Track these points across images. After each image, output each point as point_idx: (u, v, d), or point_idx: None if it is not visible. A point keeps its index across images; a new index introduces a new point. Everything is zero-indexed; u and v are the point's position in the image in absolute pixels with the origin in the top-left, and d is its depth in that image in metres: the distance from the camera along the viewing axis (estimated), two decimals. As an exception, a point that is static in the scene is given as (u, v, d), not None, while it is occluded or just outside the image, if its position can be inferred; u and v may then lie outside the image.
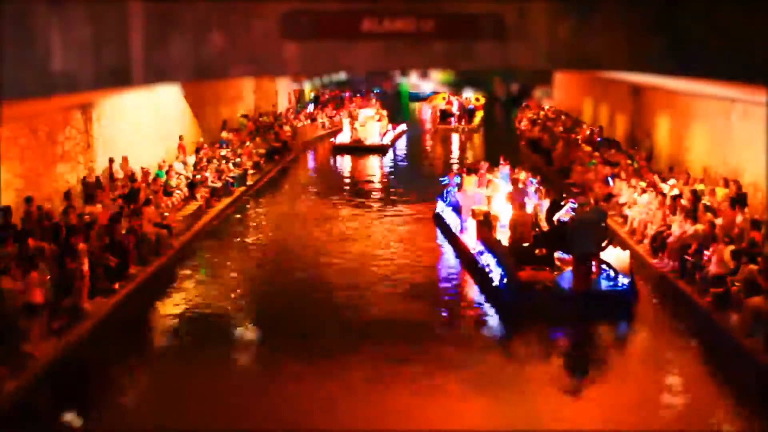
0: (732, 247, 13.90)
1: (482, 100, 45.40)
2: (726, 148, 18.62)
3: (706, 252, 14.52)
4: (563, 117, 35.05)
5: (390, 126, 37.91)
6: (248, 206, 23.95)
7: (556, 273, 14.68)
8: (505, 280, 14.50)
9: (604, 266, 14.65)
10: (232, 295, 15.75)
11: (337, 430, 10.61)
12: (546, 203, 16.57)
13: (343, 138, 35.67)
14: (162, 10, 10.83)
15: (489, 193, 18.08)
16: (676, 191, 17.93)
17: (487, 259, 15.64)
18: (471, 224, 17.53)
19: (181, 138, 25.21)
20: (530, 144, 32.24)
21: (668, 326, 14.15)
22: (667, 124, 23.12)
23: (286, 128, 33.97)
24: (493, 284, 14.80)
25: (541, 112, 37.98)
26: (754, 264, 13.02)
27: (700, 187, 17.92)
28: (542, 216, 16.04)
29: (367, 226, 21.23)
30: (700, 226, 15.26)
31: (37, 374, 11.46)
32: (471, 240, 17.23)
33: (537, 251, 15.01)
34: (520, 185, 17.23)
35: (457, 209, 18.80)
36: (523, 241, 15.32)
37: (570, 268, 14.43)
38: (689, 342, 13.36)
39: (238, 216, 22.65)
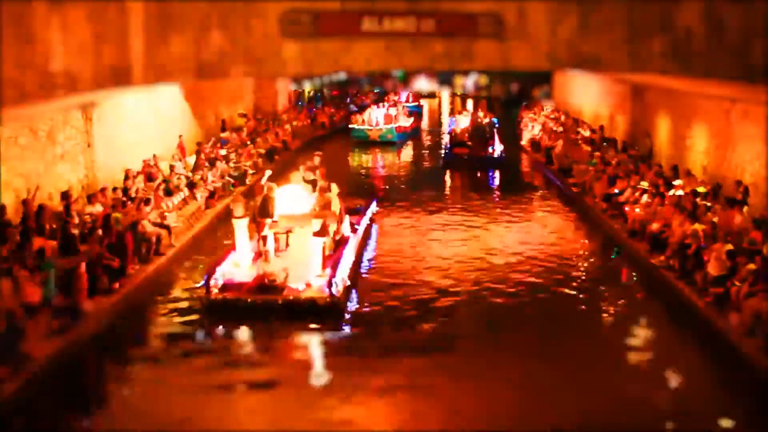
0: (729, 247, 13.89)
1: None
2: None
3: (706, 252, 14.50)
4: (563, 116, 35.03)
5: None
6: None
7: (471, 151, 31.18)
8: (447, 152, 31.91)
9: (495, 148, 31.09)
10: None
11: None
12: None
13: (235, 274, 15.09)
14: (162, 10, 10.84)
15: (460, 120, 34.17)
16: (680, 191, 17.94)
17: (447, 146, 32.69)
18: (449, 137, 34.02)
19: (180, 138, 25.21)
20: (531, 143, 32.29)
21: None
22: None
23: (287, 127, 33.95)
24: (444, 153, 32.36)
25: (542, 112, 37.95)
26: (753, 264, 13.01)
27: (701, 189, 17.89)
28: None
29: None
30: (699, 226, 15.25)
31: (37, 374, 11.45)
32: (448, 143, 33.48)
33: (468, 142, 31.52)
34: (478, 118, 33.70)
35: (449, 133, 34.67)
36: (464, 137, 31.96)
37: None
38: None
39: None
